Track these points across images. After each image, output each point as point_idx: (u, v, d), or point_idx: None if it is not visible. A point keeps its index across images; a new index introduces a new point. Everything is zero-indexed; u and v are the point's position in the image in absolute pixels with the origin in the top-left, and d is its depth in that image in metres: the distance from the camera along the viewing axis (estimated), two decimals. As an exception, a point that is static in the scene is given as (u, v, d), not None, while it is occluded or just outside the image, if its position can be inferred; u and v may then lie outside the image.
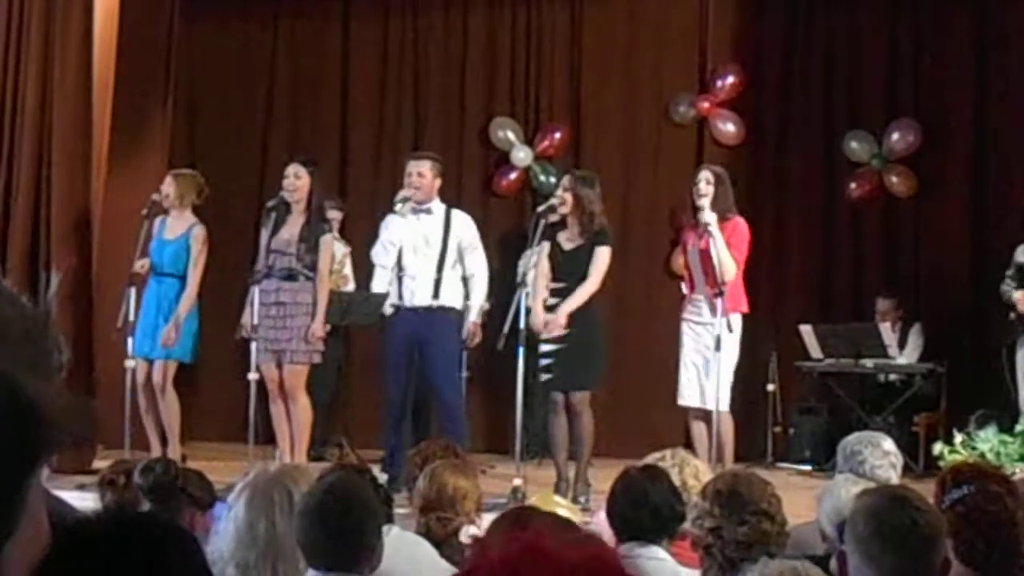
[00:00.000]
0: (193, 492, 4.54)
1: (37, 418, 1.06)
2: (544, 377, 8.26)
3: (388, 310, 9.71)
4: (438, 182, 8.44)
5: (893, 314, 10.62)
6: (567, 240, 8.25)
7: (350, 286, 10.35)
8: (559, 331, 8.04)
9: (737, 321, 8.18)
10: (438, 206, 8.46)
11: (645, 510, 4.12)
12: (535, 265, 8.33)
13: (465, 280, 8.50)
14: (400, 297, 8.41)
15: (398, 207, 8.45)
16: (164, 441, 8.79)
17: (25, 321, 1.10)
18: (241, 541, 3.51)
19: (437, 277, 8.26)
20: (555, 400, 8.25)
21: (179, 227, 8.81)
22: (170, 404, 8.73)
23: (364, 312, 9.94)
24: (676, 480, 4.47)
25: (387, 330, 8.70)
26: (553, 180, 10.61)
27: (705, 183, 8.26)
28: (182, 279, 8.73)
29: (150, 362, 8.74)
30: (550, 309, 8.18)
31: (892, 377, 10.61)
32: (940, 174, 11.12)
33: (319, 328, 8.30)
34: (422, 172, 8.38)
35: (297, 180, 8.37)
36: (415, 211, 8.36)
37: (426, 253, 8.31)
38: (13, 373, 1.05)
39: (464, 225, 8.44)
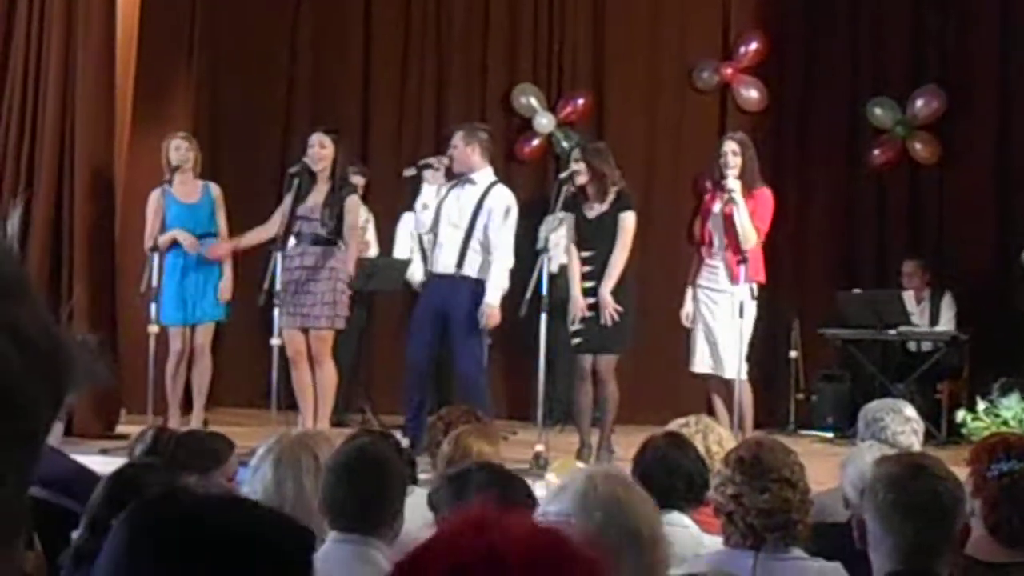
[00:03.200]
0: (193, 461, 4.23)
1: (66, 359, 1.06)
2: (575, 341, 8.25)
3: (417, 277, 9.72)
4: (476, 151, 8.36)
5: (920, 277, 10.56)
6: (589, 208, 8.26)
7: (372, 251, 10.36)
8: (611, 309, 8.06)
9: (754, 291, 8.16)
10: (484, 177, 8.40)
11: (680, 478, 4.14)
12: (553, 231, 8.30)
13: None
14: (433, 264, 8.45)
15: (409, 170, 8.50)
16: (185, 409, 8.84)
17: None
18: (269, 501, 3.54)
19: (463, 247, 8.26)
20: (583, 366, 8.28)
21: (194, 189, 8.85)
22: (207, 367, 8.86)
23: (388, 278, 9.97)
24: (700, 447, 4.48)
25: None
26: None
27: (732, 154, 8.21)
28: (216, 235, 8.84)
29: (192, 328, 8.83)
30: (584, 278, 8.20)
31: (916, 345, 10.58)
32: (964, 141, 11.07)
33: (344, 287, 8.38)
34: (454, 143, 8.41)
35: (323, 149, 8.33)
36: (461, 181, 8.38)
37: (458, 223, 8.30)
38: (44, 316, 1.05)
39: (497, 199, 8.35)
